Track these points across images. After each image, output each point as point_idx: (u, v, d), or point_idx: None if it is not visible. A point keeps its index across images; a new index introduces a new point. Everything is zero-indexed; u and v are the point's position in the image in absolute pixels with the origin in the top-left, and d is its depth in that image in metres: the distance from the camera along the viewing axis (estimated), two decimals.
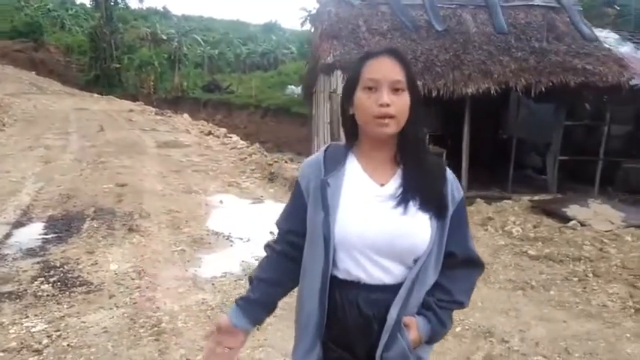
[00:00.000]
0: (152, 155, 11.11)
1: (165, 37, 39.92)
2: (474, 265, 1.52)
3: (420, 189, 1.40)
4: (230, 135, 17.91)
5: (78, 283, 4.13)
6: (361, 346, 1.43)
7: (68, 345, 3.17)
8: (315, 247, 1.43)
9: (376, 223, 1.39)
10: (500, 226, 6.60)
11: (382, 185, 1.43)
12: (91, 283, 4.13)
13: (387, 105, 1.36)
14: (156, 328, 3.42)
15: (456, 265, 1.48)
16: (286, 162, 10.99)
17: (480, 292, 4.43)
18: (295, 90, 28.51)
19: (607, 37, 10.39)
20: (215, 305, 3.94)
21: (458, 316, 3.92)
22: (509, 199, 8.36)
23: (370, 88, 1.38)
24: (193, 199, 7.61)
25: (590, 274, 4.85)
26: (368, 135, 1.43)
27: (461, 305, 1.50)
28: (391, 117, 1.37)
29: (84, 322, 3.47)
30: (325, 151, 1.51)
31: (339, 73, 9.47)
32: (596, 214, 6.42)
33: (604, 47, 9.46)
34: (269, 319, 1.65)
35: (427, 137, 9.28)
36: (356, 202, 1.41)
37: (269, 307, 1.54)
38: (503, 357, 3.30)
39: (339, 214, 1.40)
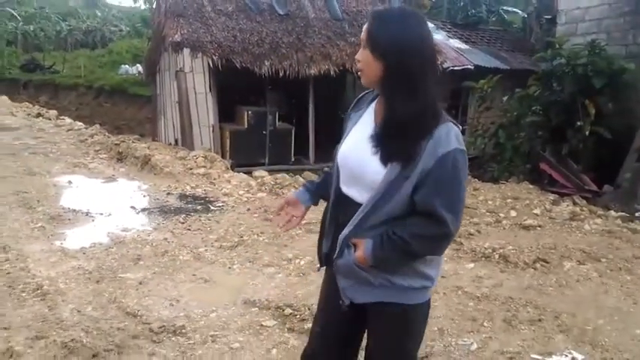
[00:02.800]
0: None
1: None
2: (435, 221, 1.59)
3: (384, 138, 1.61)
4: (62, 117, 16.63)
5: None
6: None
7: None
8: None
9: (354, 151, 1.70)
10: None
11: (374, 126, 1.69)
12: None
13: (357, 60, 1.65)
14: (38, 291, 3.49)
15: (418, 214, 1.62)
16: (133, 142, 10.78)
17: None
18: (130, 70, 27.09)
19: None
20: (92, 269, 4.05)
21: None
22: None
23: None
24: (39, 181, 7.23)
25: None
26: None
27: (406, 244, 1.61)
28: (359, 70, 1.65)
29: None
30: (361, 96, 1.83)
31: (187, 51, 9.58)
32: None
33: None
34: None
35: (277, 115, 9.94)
36: (355, 134, 1.73)
37: (325, 194, 1.90)
38: None
39: (344, 140, 1.77)
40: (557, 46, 8.56)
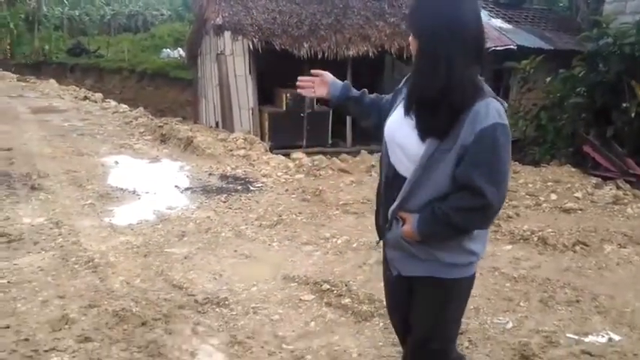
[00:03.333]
0: (29, 120, 10.53)
1: None
2: (473, 193, 1.65)
3: (419, 113, 1.70)
4: (107, 100, 17.16)
5: None
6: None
7: (8, 282, 3.37)
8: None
9: (397, 129, 1.79)
10: None
11: None
12: (10, 234, 4.22)
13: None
14: (90, 264, 3.72)
15: (460, 188, 1.69)
16: (176, 124, 11.07)
17: (369, 219, 5.23)
18: (171, 53, 27.49)
19: None
20: (140, 244, 4.28)
21: (355, 235, 4.69)
22: None
23: None
24: (87, 161, 7.56)
25: None
26: None
27: (448, 218, 1.67)
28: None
29: (16, 265, 3.65)
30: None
31: (228, 34, 9.73)
32: None
33: None
34: None
35: (314, 98, 9.99)
36: (399, 111, 1.81)
37: (353, 104, 2.08)
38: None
39: (390, 115, 1.87)
40: (603, 25, 8.25)
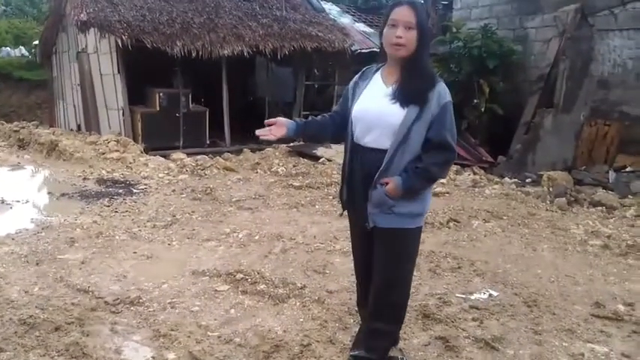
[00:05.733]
0: None
1: None
2: (444, 147, 2.21)
3: (406, 90, 2.21)
4: None
5: None
6: (360, 188, 2.33)
7: None
8: (347, 122, 2.36)
9: (373, 105, 2.27)
10: (267, 168, 7.72)
11: (387, 86, 2.28)
12: None
13: (400, 37, 2.17)
14: None
15: (432, 147, 2.22)
16: (35, 128, 10.13)
17: (264, 213, 5.41)
18: (12, 52, 24.89)
19: (330, 9, 12.39)
20: (27, 253, 3.97)
21: (255, 229, 4.81)
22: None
23: (392, 26, 2.19)
24: None
25: None
26: (389, 55, 2.26)
27: (428, 172, 2.23)
28: (402, 45, 2.18)
29: None
30: (364, 70, 2.43)
31: (91, 31, 9.14)
32: (338, 152, 8.05)
33: (330, 17, 11.32)
34: None
35: (190, 97, 9.80)
36: (369, 93, 2.32)
37: (307, 134, 2.52)
38: (293, 248, 4.33)
39: (357, 100, 2.34)
40: (454, 30, 9.30)
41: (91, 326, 2.89)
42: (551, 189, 6.58)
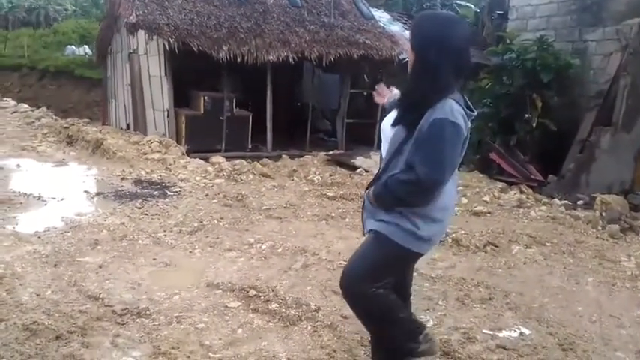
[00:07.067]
0: None
1: None
2: (410, 168, 2.06)
3: (401, 112, 2.17)
4: (6, 99, 15.90)
5: None
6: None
7: None
8: None
9: (387, 120, 2.28)
10: (303, 176, 7.58)
11: None
12: None
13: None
14: None
15: (406, 165, 2.11)
16: (84, 126, 10.43)
17: (292, 224, 5.25)
18: (76, 51, 26.02)
19: (381, 16, 12.15)
20: (48, 253, 3.98)
21: (280, 240, 4.66)
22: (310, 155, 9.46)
23: None
24: None
25: None
26: None
27: (387, 186, 2.12)
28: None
29: None
30: None
31: (142, 33, 9.33)
32: (376, 163, 7.81)
33: (379, 25, 11.11)
34: None
35: (234, 101, 9.82)
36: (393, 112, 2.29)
37: None
38: (315, 264, 4.14)
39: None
40: (508, 41, 8.87)
41: (92, 337, 2.82)
42: (603, 214, 6.09)
